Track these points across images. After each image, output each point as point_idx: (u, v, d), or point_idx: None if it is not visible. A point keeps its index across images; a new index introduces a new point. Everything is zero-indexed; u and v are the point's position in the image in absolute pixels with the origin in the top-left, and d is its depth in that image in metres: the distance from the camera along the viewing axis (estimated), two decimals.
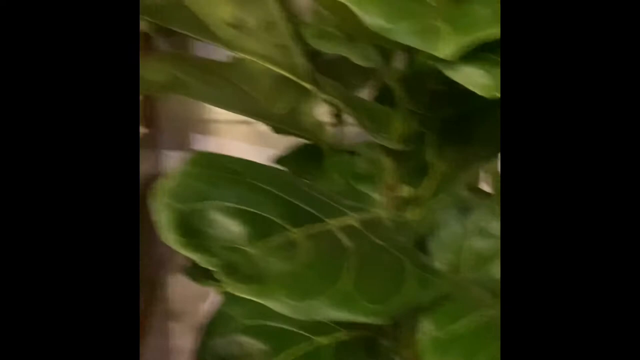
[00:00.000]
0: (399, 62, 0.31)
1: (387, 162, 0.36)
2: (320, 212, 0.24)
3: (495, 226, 0.35)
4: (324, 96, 0.29)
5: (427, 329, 0.22)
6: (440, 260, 0.36)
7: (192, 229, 0.20)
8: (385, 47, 0.30)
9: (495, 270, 0.35)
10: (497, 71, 0.19)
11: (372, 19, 0.18)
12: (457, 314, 0.22)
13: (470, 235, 0.36)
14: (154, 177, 0.55)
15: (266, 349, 0.30)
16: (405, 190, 0.37)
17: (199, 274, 0.29)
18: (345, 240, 0.23)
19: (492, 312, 0.24)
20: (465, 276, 0.36)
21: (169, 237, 0.20)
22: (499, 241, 0.36)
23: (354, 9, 0.18)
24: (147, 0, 0.23)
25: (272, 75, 0.26)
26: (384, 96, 0.36)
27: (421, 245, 0.36)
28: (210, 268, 0.20)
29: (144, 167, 0.55)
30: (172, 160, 0.55)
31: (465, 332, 0.21)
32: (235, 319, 0.30)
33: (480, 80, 0.19)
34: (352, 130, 0.44)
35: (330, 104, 0.36)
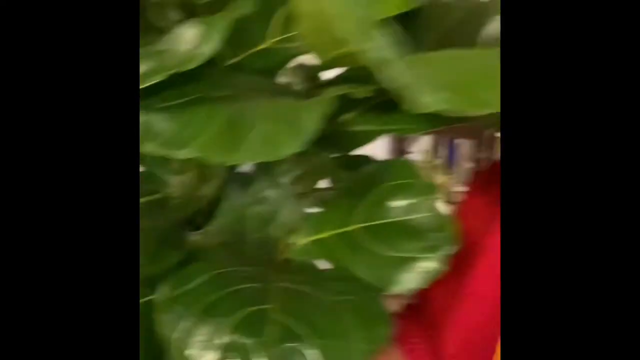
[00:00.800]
0: None
1: None
2: None
3: (271, 193, 0.43)
4: None
5: (162, 291, 0.27)
6: (227, 227, 0.42)
7: None
8: None
9: (273, 230, 0.42)
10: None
11: None
12: (191, 276, 0.28)
13: (252, 204, 0.43)
14: None
15: None
16: (197, 172, 0.42)
17: None
18: None
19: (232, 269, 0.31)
20: (252, 237, 0.43)
21: None
22: (278, 208, 0.43)
23: None
24: None
25: None
26: None
27: (210, 216, 0.42)
28: None
29: None
30: None
31: (195, 287, 0.27)
32: None
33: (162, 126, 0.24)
34: None
35: None
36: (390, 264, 0.33)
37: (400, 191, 0.35)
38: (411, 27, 0.39)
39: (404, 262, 0.32)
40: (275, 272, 0.37)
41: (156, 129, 0.23)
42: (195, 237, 0.37)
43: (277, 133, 0.23)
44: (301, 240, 0.40)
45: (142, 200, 0.38)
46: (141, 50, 0.23)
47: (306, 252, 0.39)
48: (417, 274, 0.31)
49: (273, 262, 0.42)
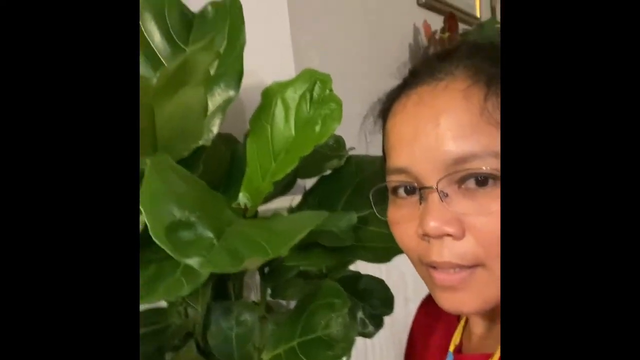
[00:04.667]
0: None
1: None
2: None
3: (248, 317, 0.54)
4: None
5: None
6: (215, 347, 0.54)
7: None
8: None
9: (250, 348, 0.53)
10: None
11: None
12: None
13: (235, 327, 0.54)
14: None
15: None
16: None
17: None
18: None
19: None
20: (237, 354, 0.54)
21: None
22: (253, 328, 0.54)
23: None
24: None
25: None
26: None
27: (204, 337, 0.54)
28: None
29: None
30: None
31: None
32: None
33: None
34: None
35: None
36: None
37: (324, 309, 0.45)
38: (335, 182, 0.52)
39: None
40: None
41: None
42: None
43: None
44: (265, 356, 0.50)
45: (146, 330, 0.51)
46: None
47: None
48: None
49: None
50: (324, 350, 0.42)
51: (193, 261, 0.28)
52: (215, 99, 0.47)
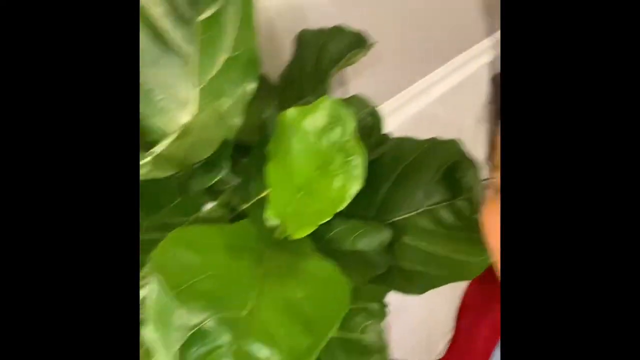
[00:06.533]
0: None
1: None
2: None
3: None
4: None
5: None
6: None
7: None
8: None
9: None
10: None
11: None
12: None
13: None
14: None
15: None
16: None
17: None
18: None
19: None
20: None
21: None
22: None
23: None
24: None
25: None
26: None
27: None
28: None
29: None
30: None
31: None
32: None
33: None
34: None
35: None
36: None
37: (362, 313, 0.44)
38: (378, 166, 0.46)
39: None
40: None
41: None
42: None
43: None
44: None
45: None
46: None
47: None
48: None
49: None
50: (359, 354, 0.42)
51: None
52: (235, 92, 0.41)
